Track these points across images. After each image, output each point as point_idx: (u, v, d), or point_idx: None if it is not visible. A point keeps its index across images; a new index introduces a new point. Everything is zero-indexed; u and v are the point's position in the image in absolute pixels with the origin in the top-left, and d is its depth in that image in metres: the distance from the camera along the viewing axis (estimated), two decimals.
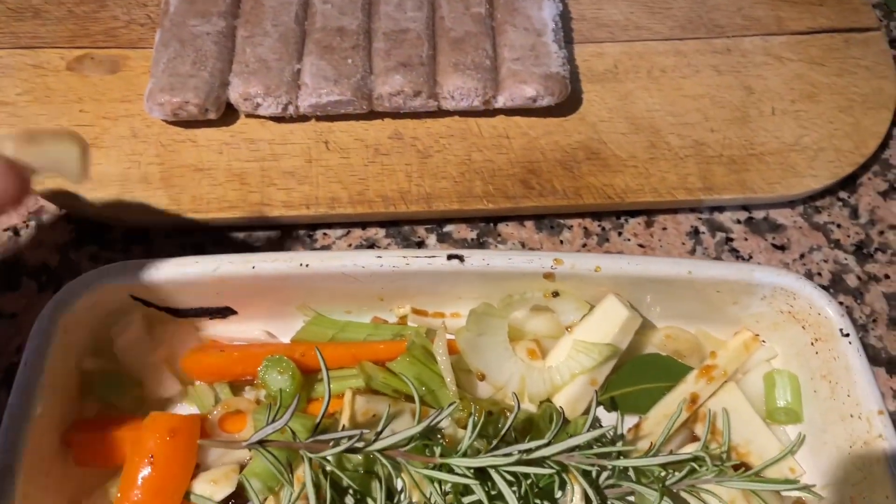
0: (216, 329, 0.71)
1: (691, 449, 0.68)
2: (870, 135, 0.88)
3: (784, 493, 0.68)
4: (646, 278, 0.69)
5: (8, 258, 0.76)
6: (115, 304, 0.65)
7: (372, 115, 0.83)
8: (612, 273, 0.68)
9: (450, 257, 0.67)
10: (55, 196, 0.76)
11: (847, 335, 0.67)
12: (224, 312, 0.70)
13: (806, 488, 0.67)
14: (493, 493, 0.61)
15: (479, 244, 0.83)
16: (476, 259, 0.67)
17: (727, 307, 0.73)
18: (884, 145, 0.93)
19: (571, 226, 0.85)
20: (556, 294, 0.70)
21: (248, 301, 0.69)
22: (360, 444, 0.59)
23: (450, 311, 0.73)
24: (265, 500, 0.62)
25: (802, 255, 0.85)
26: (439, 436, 0.64)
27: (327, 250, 0.74)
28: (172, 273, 0.64)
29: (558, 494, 0.62)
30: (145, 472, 0.60)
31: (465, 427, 0.63)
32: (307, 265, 0.66)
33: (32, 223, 0.79)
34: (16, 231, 0.78)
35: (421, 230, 0.83)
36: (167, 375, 0.68)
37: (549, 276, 0.69)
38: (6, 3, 0.87)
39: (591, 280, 0.69)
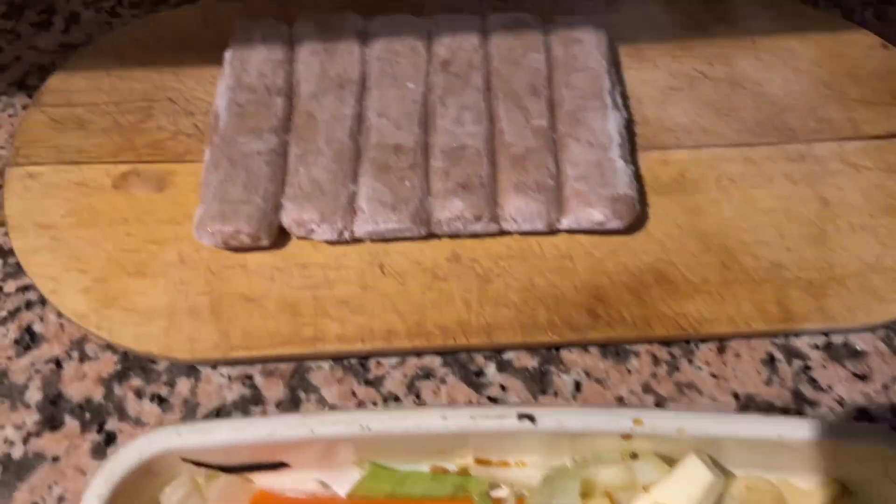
0: (268, 480, 0.67)
1: None
2: None
3: None
4: (732, 439, 0.64)
5: (50, 393, 0.73)
6: (164, 468, 0.61)
7: (430, 234, 0.79)
8: (697, 434, 0.64)
9: (521, 417, 0.63)
10: (99, 327, 0.72)
11: None
12: (277, 466, 0.66)
13: None
14: None
15: (541, 373, 0.78)
16: (549, 419, 0.63)
17: (816, 460, 0.68)
18: None
19: (639, 352, 0.80)
20: (634, 456, 0.65)
21: (304, 457, 0.65)
22: None
23: (515, 459, 0.69)
24: None
25: (885, 386, 0.80)
26: None
27: (389, 410, 0.70)
28: (227, 438, 0.61)
29: None
30: None
31: None
32: (369, 428, 0.62)
33: (75, 354, 0.75)
34: (58, 363, 0.75)
35: (479, 358, 0.78)
36: None
37: (627, 437, 0.64)
38: (48, 114, 0.83)
39: (673, 439, 0.64)
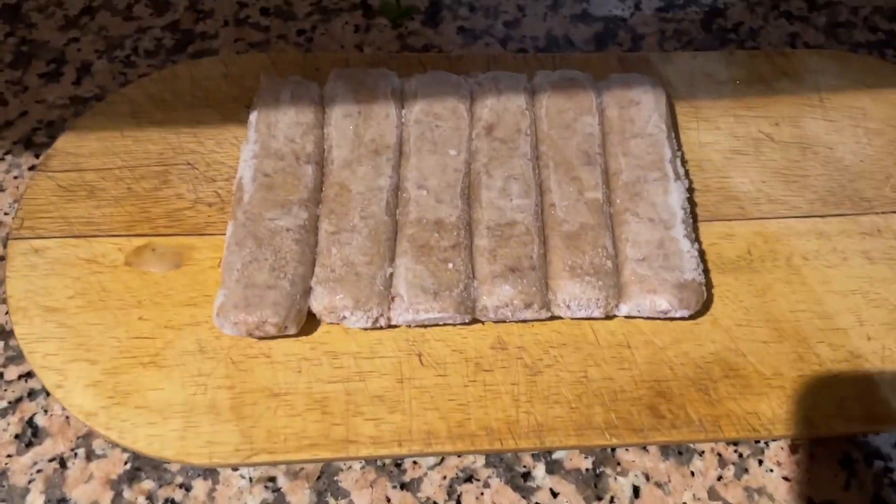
0: None
1: None
2: None
3: None
4: None
5: (52, 497, 0.66)
6: None
7: (474, 322, 0.71)
8: None
9: None
10: (108, 427, 0.65)
11: None
12: None
13: None
14: None
15: (596, 476, 0.70)
16: None
17: None
18: None
19: (703, 451, 0.72)
20: None
21: None
22: None
23: None
24: None
25: None
26: None
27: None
28: None
29: None
30: None
31: None
32: None
33: (81, 451, 0.68)
34: (62, 462, 0.67)
35: (527, 458, 0.71)
36: None
37: None
38: (56, 180, 0.76)
39: None
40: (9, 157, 0.84)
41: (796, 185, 0.83)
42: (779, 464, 0.72)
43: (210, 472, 0.68)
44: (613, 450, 0.72)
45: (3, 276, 0.74)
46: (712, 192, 0.82)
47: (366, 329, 0.71)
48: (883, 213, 0.81)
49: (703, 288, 0.71)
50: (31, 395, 0.70)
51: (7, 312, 0.73)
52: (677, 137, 0.84)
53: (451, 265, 0.69)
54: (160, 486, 0.67)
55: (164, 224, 0.75)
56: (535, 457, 0.71)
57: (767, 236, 0.79)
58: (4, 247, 0.77)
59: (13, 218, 0.75)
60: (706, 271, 0.77)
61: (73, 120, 0.83)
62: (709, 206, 0.81)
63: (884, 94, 0.89)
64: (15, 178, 0.82)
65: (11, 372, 0.71)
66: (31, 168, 0.83)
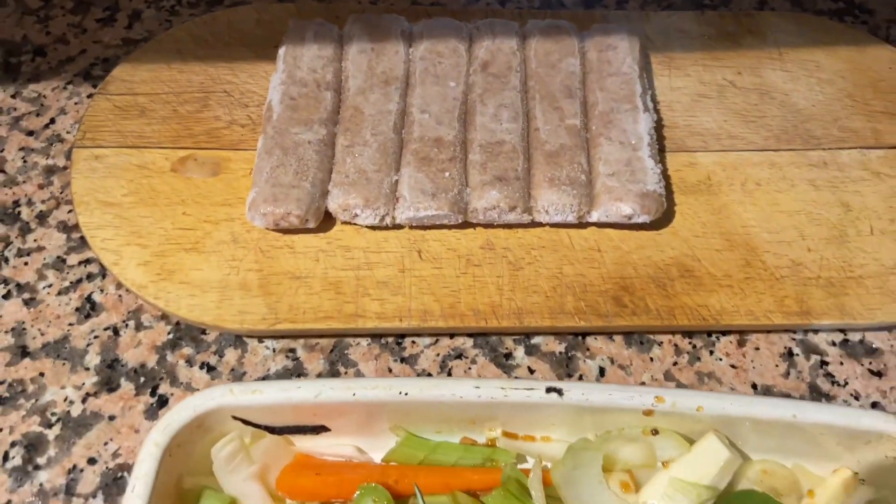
0: (309, 443, 0.72)
1: None
2: None
3: None
4: (749, 419, 0.67)
5: (107, 358, 0.78)
6: (216, 424, 0.66)
7: (465, 224, 0.83)
8: (715, 413, 0.67)
9: (548, 390, 0.67)
10: (156, 297, 0.77)
11: None
12: (318, 430, 0.71)
13: None
14: None
15: (567, 358, 0.82)
16: (575, 393, 0.67)
17: (830, 446, 0.71)
18: None
19: (662, 342, 0.84)
20: (655, 432, 0.69)
21: (343, 420, 0.69)
22: None
23: (541, 434, 0.73)
24: None
25: None
26: None
27: (426, 378, 0.74)
28: (276, 398, 0.65)
29: None
30: None
31: None
32: (406, 393, 0.66)
33: (131, 323, 0.80)
34: (115, 330, 0.80)
35: (509, 342, 0.82)
36: (261, 493, 0.68)
37: (648, 412, 0.68)
38: (113, 101, 0.89)
39: (692, 417, 0.68)
40: (70, 87, 0.97)
41: (754, 125, 0.94)
42: (728, 354, 0.84)
43: (240, 342, 0.80)
44: (584, 337, 0.83)
45: (68, 181, 0.87)
46: (679, 128, 0.94)
47: (374, 228, 0.83)
48: (829, 149, 0.93)
49: (663, 199, 0.82)
50: (90, 277, 0.83)
51: (70, 210, 0.86)
52: (649, 78, 0.96)
53: (447, 174, 0.81)
54: (197, 353, 0.79)
55: (204, 139, 0.88)
56: (516, 341, 0.83)
57: (726, 165, 0.91)
58: (68, 158, 0.90)
59: (76, 132, 0.88)
60: (670, 192, 0.88)
61: (127, 55, 0.96)
62: (676, 139, 0.93)
63: (836, 50, 1.01)
64: (76, 104, 0.95)
65: (73, 259, 0.84)
66: (89, 96, 0.96)
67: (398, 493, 0.68)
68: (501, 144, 0.84)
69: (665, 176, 0.89)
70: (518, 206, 0.80)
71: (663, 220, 0.86)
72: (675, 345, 0.84)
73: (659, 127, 0.93)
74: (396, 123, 0.85)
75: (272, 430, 0.69)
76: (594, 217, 0.82)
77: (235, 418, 0.67)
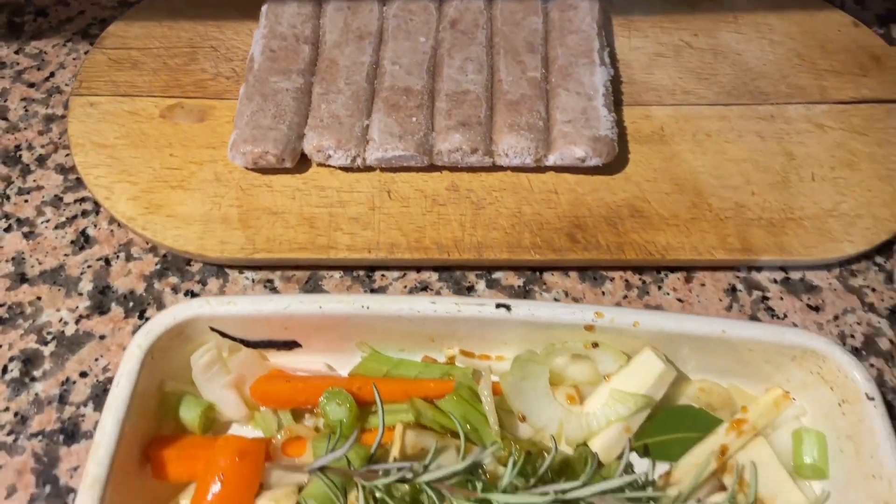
0: (282, 360, 0.78)
1: (719, 499, 0.72)
2: None
3: None
4: (681, 335, 0.74)
5: (99, 285, 0.85)
6: (195, 333, 0.73)
7: (431, 167, 0.90)
8: (650, 328, 0.73)
9: (498, 306, 0.73)
10: (144, 228, 0.84)
11: (872, 399, 0.71)
12: (290, 345, 0.77)
13: None
14: None
15: (526, 292, 0.88)
16: (522, 309, 0.73)
17: (759, 365, 0.77)
18: None
19: (613, 278, 0.90)
20: (595, 345, 0.75)
21: (313, 336, 0.76)
22: (409, 476, 0.64)
23: (495, 353, 0.79)
24: None
25: (836, 317, 0.89)
26: (481, 471, 0.69)
27: (386, 294, 0.80)
28: (249, 309, 0.72)
29: None
30: (215, 488, 0.67)
31: (505, 465, 0.68)
32: (368, 307, 0.73)
33: (122, 254, 0.87)
34: (107, 261, 0.87)
35: (471, 276, 0.89)
36: (236, 400, 0.75)
37: (589, 328, 0.74)
38: (108, 55, 0.96)
39: (629, 333, 0.74)
40: (69, 44, 1.04)
41: (707, 82, 1.01)
42: (675, 289, 0.90)
43: (221, 273, 0.87)
44: (541, 273, 0.90)
45: (66, 128, 0.94)
46: (637, 84, 1.00)
47: (346, 169, 0.90)
48: (777, 103, 0.99)
49: (615, 143, 0.88)
50: (84, 213, 0.90)
51: (67, 154, 0.93)
52: (608, 37, 1.02)
53: (414, 119, 0.88)
54: (182, 282, 0.86)
55: (191, 89, 0.95)
56: (478, 275, 0.89)
57: (678, 118, 0.97)
58: (66, 108, 0.97)
59: (73, 82, 0.94)
60: (625, 142, 0.95)
61: (123, 13, 1.03)
62: (633, 94, 0.99)
63: (789, 14, 1.07)
64: (74, 59, 1.02)
65: (69, 197, 0.91)
66: (86, 52, 1.03)
67: (361, 399, 0.74)
68: (466, 94, 0.90)
69: (620, 126, 0.95)
70: (479, 149, 0.87)
71: (617, 166, 0.92)
72: (626, 280, 0.90)
73: (617, 83, 0.99)
74: (369, 74, 0.91)
75: (247, 343, 0.76)
76: (551, 160, 0.89)
77: (213, 330, 0.74)
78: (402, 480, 0.65)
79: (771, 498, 0.74)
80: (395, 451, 0.70)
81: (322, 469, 0.64)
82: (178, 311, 0.71)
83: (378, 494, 0.65)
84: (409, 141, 0.86)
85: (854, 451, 0.72)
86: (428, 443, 0.70)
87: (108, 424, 0.65)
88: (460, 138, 0.86)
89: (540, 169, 0.91)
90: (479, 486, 0.66)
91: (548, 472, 0.68)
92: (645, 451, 0.76)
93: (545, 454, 0.70)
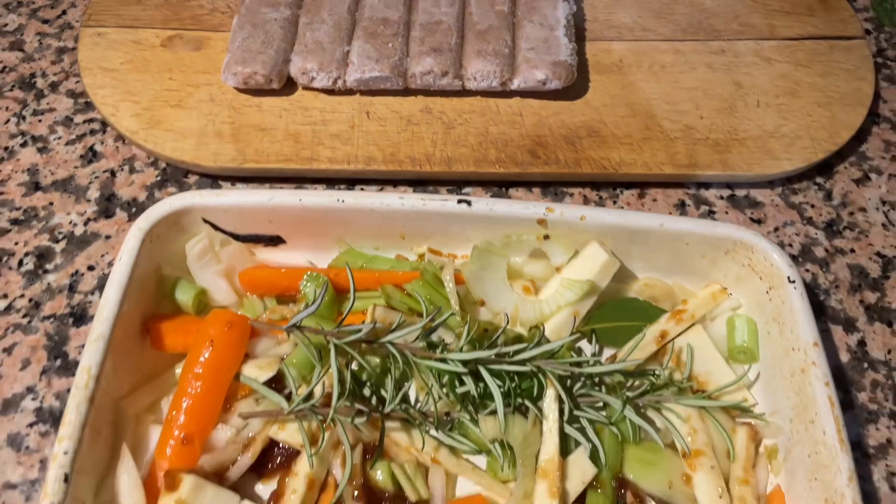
0: (268, 255, 0.87)
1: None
2: (844, 127, 1.00)
3: (738, 421, 0.80)
4: (624, 228, 0.82)
5: (105, 193, 0.94)
6: (189, 224, 0.82)
7: (407, 91, 0.99)
8: (595, 222, 0.82)
9: (459, 201, 0.82)
10: (146, 140, 0.93)
11: (793, 282, 0.79)
12: (275, 241, 0.86)
13: (750, 409, 0.79)
14: (482, 390, 0.74)
15: None
16: (482, 204, 0.82)
17: (698, 261, 0.86)
18: (861, 140, 1.04)
19: (573, 193, 0.98)
20: (546, 237, 0.84)
21: (295, 231, 0.85)
22: (376, 337, 0.73)
23: (461, 253, 0.88)
24: (299, 387, 0.77)
25: (777, 229, 0.97)
26: (442, 341, 0.78)
27: (360, 192, 0.89)
28: (236, 200, 0.81)
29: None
30: (206, 353, 0.75)
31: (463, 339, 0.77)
32: (344, 201, 0.81)
33: (126, 168, 0.96)
34: (112, 173, 0.96)
35: (443, 191, 0.98)
36: (227, 287, 0.83)
37: (542, 221, 0.82)
38: None
39: (577, 228, 0.83)
40: None
41: (664, 20, 1.09)
42: (628, 204, 0.98)
43: (216, 185, 0.96)
44: (507, 188, 0.98)
45: (76, 59, 1.03)
46: (599, 22, 1.08)
47: (329, 92, 0.98)
48: (728, 39, 1.07)
49: (574, 68, 0.97)
50: (92, 132, 0.99)
51: (78, 81, 1.02)
52: None
53: (391, 45, 0.97)
54: (180, 191, 0.95)
55: (189, 22, 1.04)
56: (450, 191, 0.98)
57: (637, 52, 1.06)
58: (76, 41, 1.06)
59: (82, 17, 1.04)
60: (586, 72, 1.03)
61: None
62: (595, 30, 1.08)
63: None
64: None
65: (79, 118, 1.00)
66: None
67: (338, 286, 0.83)
68: (439, 24, 0.99)
69: (582, 58, 1.04)
70: (449, 72, 0.95)
71: (578, 92, 1.01)
72: (585, 196, 0.99)
73: (581, 20, 1.08)
74: (350, 7, 1.00)
75: (236, 237, 0.85)
76: (515, 84, 0.97)
77: (206, 222, 0.83)
78: (370, 341, 0.74)
79: (705, 376, 0.83)
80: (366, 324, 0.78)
81: (300, 328, 0.73)
82: (174, 200, 0.80)
83: (350, 356, 0.73)
84: (386, 63, 0.95)
85: (778, 331, 0.81)
86: (395, 317, 0.79)
87: (111, 292, 0.74)
88: (432, 62, 0.95)
89: (506, 93, 1.00)
90: (438, 350, 0.75)
91: (501, 344, 0.76)
92: (594, 339, 0.85)
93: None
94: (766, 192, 1.00)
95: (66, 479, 0.65)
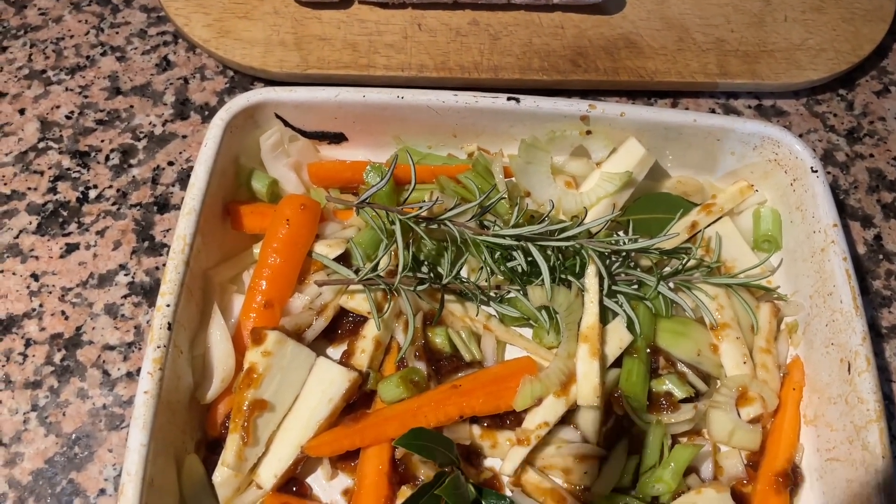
0: (331, 152, 0.96)
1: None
2: (867, 41, 1.06)
3: (762, 302, 0.88)
4: (660, 124, 0.89)
5: (180, 98, 1.02)
6: (263, 120, 0.90)
7: (455, 5, 1.06)
8: (634, 118, 0.89)
9: (509, 98, 0.89)
10: (217, 48, 1.01)
11: (815, 171, 0.87)
12: (338, 138, 0.94)
13: (775, 290, 0.87)
14: (529, 268, 0.83)
15: None
16: (529, 102, 0.89)
17: (727, 158, 0.93)
18: (882, 55, 1.10)
19: (608, 99, 1.06)
20: (589, 132, 0.91)
21: (357, 128, 0.93)
22: (435, 215, 0.82)
23: (508, 152, 0.95)
24: (365, 264, 0.85)
25: (801, 136, 1.04)
26: (493, 222, 0.86)
27: (418, 89, 0.97)
28: (306, 96, 0.89)
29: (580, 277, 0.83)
30: (283, 231, 0.84)
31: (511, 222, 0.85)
32: (402, 97, 0.89)
33: (198, 75, 1.04)
34: (185, 80, 1.04)
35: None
36: (295, 178, 0.92)
37: (584, 118, 0.90)
38: None
39: (617, 124, 0.90)
40: None
41: None
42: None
43: None
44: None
45: None
46: None
47: (383, 5, 1.06)
48: None
49: None
50: (166, 43, 1.07)
51: None
52: None
53: None
54: None
55: None
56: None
57: None
58: None
59: None
60: None
61: None
62: None
63: None
64: None
65: (153, 31, 1.08)
66: None
67: (397, 179, 0.91)
68: None
69: None
70: None
71: (616, 7, 1.07)
72: (617, 100, 1.06)
73: None
74: None
75: (304, 133, 0.93)
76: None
77: (277, 117, 0.91)
78: (429, 219, 0.82)
79: (732, 261, 0.91)
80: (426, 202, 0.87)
81: (369, 204, 0.81)
82: (251, 94, 0.88)
83: (415, 229, 0.81)
84: None
85: (801, 218, 0.88)
86: (451, 201, 0.87)
87: (199, 171, 0.82)
88: None
89: (548, 7, 1.06)
90: (489, 227, 0.83)
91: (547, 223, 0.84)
92: (630, 230, 0.93)
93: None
94: (791, 102, 1.07)
95: (170, 326, 0.74)
